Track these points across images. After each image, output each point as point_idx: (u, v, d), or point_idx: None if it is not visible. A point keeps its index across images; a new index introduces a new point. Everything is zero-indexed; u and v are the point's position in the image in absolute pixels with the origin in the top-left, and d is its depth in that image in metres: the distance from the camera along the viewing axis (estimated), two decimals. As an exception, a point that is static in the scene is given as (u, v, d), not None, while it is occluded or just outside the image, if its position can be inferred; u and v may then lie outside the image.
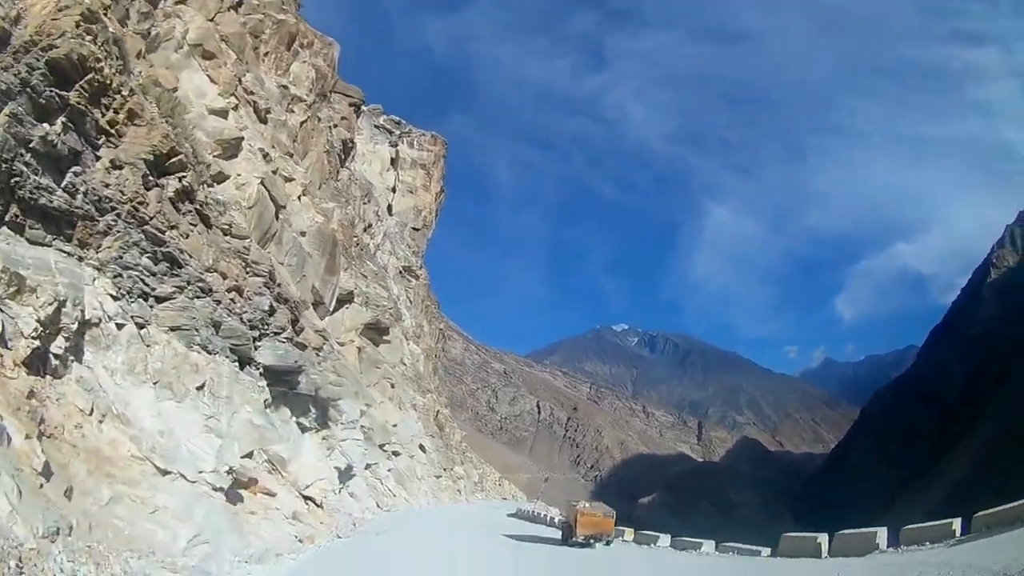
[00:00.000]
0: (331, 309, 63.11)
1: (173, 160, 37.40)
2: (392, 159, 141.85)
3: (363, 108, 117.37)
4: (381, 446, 69.18)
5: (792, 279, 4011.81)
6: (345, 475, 53.49)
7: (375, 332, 79.16)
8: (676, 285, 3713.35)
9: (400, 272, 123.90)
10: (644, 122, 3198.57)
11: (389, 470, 72.71)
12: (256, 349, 43.31)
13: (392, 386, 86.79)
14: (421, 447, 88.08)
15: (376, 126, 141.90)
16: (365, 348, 74.33)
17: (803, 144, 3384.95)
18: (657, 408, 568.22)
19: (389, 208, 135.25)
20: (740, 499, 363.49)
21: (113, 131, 33.58)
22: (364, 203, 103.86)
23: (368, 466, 64.04)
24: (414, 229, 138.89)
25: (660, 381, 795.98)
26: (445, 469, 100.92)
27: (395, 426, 78.79)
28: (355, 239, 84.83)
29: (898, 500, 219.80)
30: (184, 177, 38.35)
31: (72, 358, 29.29)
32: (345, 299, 69.18)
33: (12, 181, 28.55)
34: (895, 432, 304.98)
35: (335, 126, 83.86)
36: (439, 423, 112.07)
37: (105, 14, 34.91)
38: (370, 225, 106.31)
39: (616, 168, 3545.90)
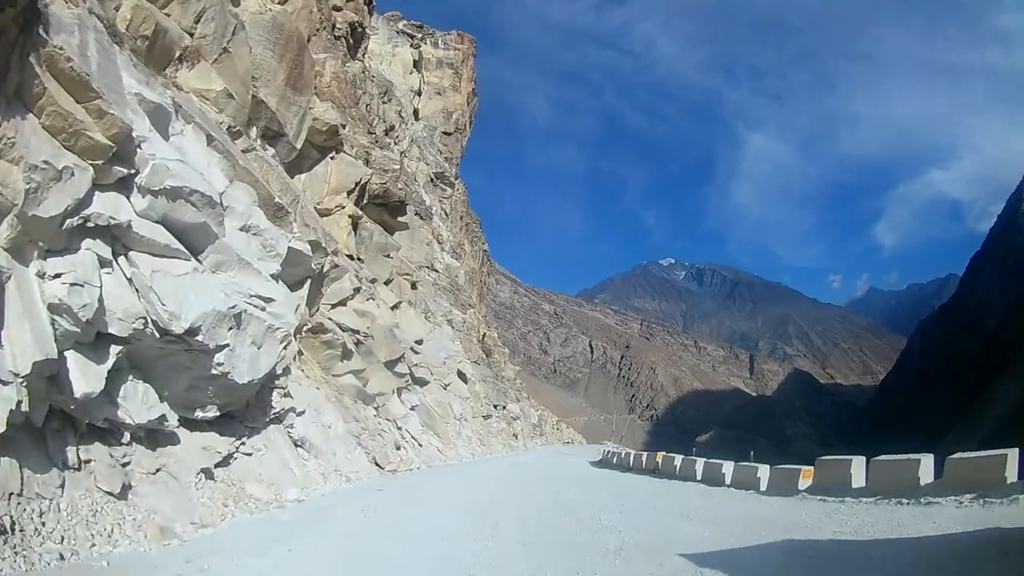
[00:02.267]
0: (297, 147, 36.19)
1: None
2: (415, 61, 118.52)
3: (376, 13, 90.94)
4: (391, 365, 42.54)
5: (831, 206, 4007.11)
6: (311, 420, 28.56)
7: (382, 208, 52.05)
8: (718, 215, 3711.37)
9: (431, 180, 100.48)
10: (672, 53, 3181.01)
11: (412, 407, 47.22)
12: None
13: (414, 286, 60.36)
14: (460, 375, 62.32)
15: (396, 31, 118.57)
16: (364, 223, 47.45)
17: (832, 71, 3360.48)
18: (708, 342, 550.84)
19: (416, 113, 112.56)
20: (795, 432, 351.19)
21: None
22: (383, 102, 77.78)
23: (365, 400, 38.56)
24: (445, 134, 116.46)
25: (710, 314, 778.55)
26: (496, 407, 75.76)
27: (419, 343, 52.70)
28: (367, 126, 57.69)
29: (952, 429, 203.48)
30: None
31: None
32: (326, 144, 41.94)
33: None
34: (941, 362, 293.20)
35: (337, 8, 56.44)
36: (486, 347, 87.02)
37: None
38: (392, 127, 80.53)
39: (648, 100, 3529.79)
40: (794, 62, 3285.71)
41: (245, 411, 22.87)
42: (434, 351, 56.19)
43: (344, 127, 44.52)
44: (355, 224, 45.76)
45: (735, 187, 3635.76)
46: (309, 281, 29.25)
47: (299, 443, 26.12)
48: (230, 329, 19.16)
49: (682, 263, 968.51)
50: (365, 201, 49.28)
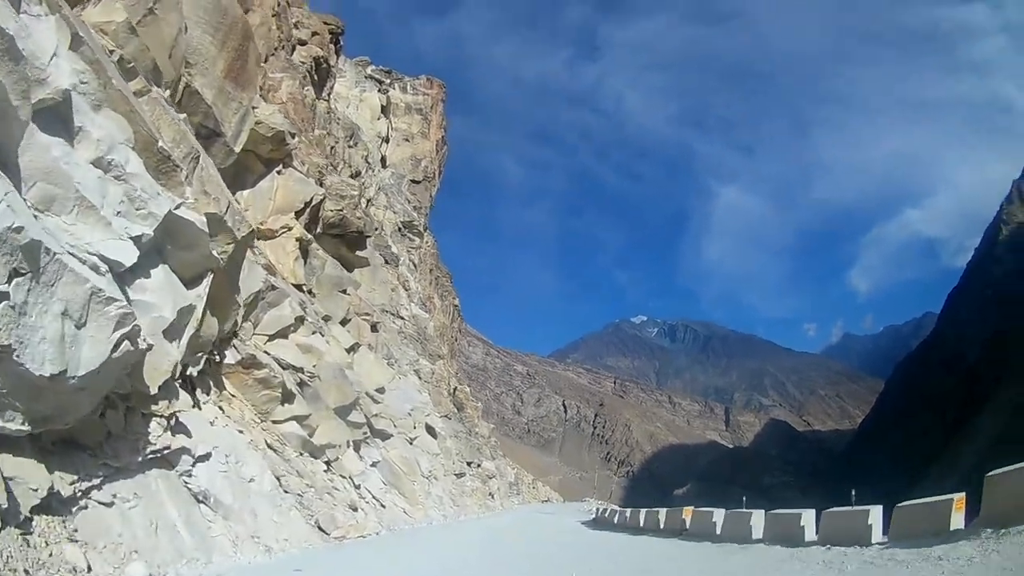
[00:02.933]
0: (235, 150, 29.94)
1: None
2: (383, 106, 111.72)
3: (344, 57, 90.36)
4: (343, 413, 35.84)
5: (805, 254, 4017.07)
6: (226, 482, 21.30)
7: (338, 240, 45.48)
8: (690, 271, 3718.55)
9: (399, 229, 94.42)
10: (643, 108, 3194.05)
11: (373, 463, 40.76)
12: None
13: (374, 329, 53.65)
14: (429, 429, 55.83)
15: (365, 76, 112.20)
16: (316, 252, 40.99)
17: (804, 116, 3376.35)
18: (683, 397, 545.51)
19: (383, 160, 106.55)
20: (773, 482, 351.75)
21: None
22: (349, 146, 72.10)
23: (313, 452, 31.89)
24: (413, 182, 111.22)
25: (683, 370, 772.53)
26: (470, 464, 69.31)
27: (381, 392, 46.01)
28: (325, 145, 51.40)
29: (932, 468, 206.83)
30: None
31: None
32: (272, 155, 35.64)
33: None
34: (920, 401, 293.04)
35: (302, 42, 50.56)
36: (457, 401, 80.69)
37: None
38: (359, 173, 74.47)
39: (621, 157, 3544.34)
40: (765, 111, 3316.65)
41: (101, 441, 15.48)
42: (398, 401, 49.92)
43: (294, 137, 38.37)
44: (304, 251, 39.48)
45: (707, 242, 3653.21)
46: (210, 277, 21.03)
47: (201, 498, 19.16)
48: (20, 275, 11.01)
49: (654, 320, 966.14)
50: (319, 230, 43.37)
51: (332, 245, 45.64)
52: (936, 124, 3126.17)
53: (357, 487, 36.03)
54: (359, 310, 49.31)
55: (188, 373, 21.09)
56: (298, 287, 37.51)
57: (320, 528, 25.85)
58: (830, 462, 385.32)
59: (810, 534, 23.70)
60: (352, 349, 42.68)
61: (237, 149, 30.77)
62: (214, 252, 20.70)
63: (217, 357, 25.41)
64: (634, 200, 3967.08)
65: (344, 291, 45.59)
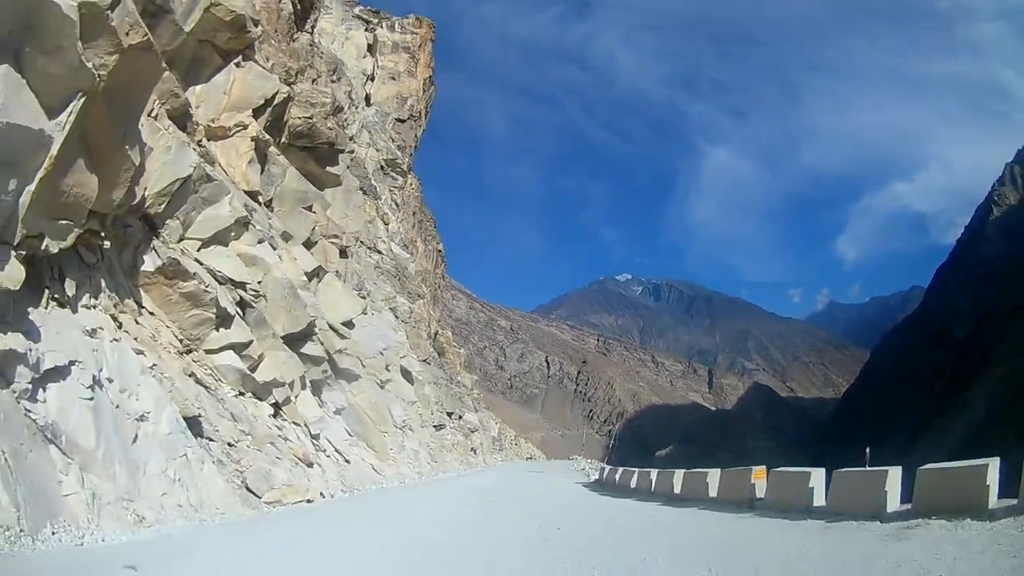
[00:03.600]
0: (185, 30, 23.25)
1: None
2: (370, 45, 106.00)
3: None
4: (295, 344, 29.25)
5: (792, 220, 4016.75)
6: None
7: (307, 153, 38.94)
8: (677, 231, 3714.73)
9: (382, 167, 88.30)
10: (634, 68, 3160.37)
11: (337, 409, 34.86)
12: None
13: (344, 254, 46.88)
14: (405, 373, 49.51)
15: (352, 16, 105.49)
16: (276, 158, 34.20)
17: (796, 83, 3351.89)
18: (666, 357, 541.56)
19: (368, 99, 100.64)
20: (757, 446, 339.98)
21: None
22: (332, 80, 65.61)
23: (257, 392, 25.75)
24: (399, 120, 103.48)
25: (667, 329, 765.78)
26: (451, 415, 63.50)
27: (349, 327, 39.69)
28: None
29: (919, 441, 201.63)
30: None
31: None
32: (231, 45, 28.88)
33: None
34: (908, 373, 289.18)
35: None
36: (439, 346, 74.39)
37: None
38: (341, 109, 68.13)
39: (609, 115, 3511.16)
40: (757, 76, 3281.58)
41: None
42: (368, 338, 43.50)
43: (257, 26, 31.78)
44: (262, 155, 32.92)
45: (694, 203, 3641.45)
46: (81, 101, 13.37)
47: (51, 436, 12.53)
48: None
49: (639, 278, 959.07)
50: (285, 139, 37.21)
51: (299, 159, 39.22)
52: (930, 101, 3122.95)
53: (315, 438, 30.09)
54: (327, 231, 42.69)
55: (45, 248, 14.01)
56: (252, 196, 31.13)
57: (249, 489, 19.50)
58: (814, 429, 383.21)
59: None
60: (315, 274, 36.28)
61: (187, 29, 24.88)
62: (87, 63, 13.33)
63: (105, 242, 18.25)
64: (622, 158, 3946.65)
65: (310, 208, 38.99)
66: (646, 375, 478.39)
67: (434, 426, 53.76)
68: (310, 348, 31.36)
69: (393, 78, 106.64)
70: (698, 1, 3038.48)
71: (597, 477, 51.45)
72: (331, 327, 36.39)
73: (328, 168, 43.18)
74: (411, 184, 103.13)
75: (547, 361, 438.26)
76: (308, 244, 38.21)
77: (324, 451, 30.40)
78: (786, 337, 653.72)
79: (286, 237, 33.88)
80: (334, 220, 46.44)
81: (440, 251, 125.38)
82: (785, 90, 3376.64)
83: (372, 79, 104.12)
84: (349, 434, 34.67)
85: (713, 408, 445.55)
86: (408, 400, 47.86)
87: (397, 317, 56.63)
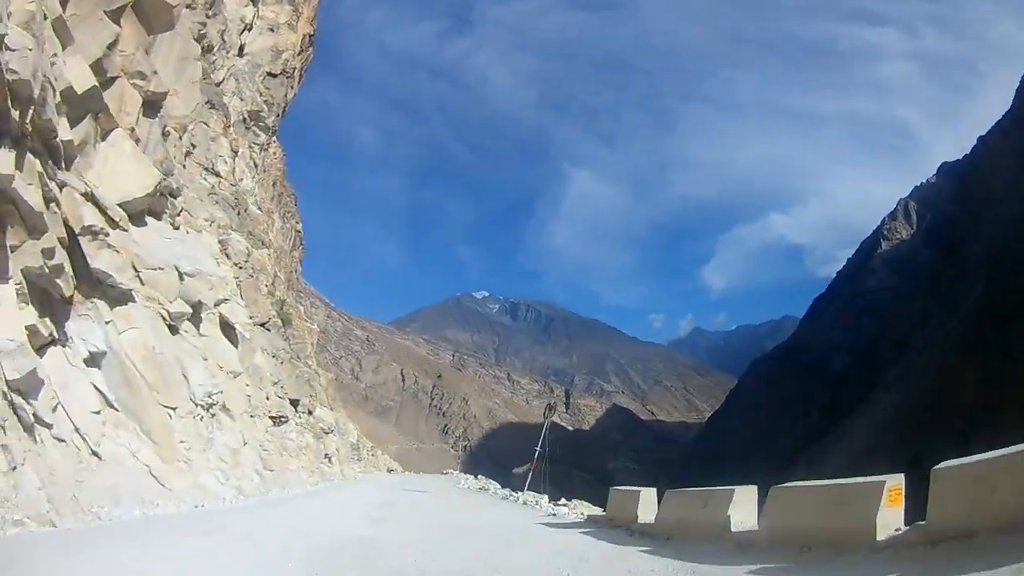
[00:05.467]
0: None
1: None
2: None
3: None
4: None
5: (658, 247, 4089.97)
6: None
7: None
8: (536, 253, 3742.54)
9: (244, 119, 72.79)
10: (507, 89, 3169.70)
11: (94, 353, 18.50)
12: None
13: (151, 110, 28.56)
14: (225, 326, 32.08)
15: None
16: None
17: (673, 113, 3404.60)
18: (522, 376, 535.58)
19: (241, 49, 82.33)
20: (617, 466, 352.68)
21: None
22: (208, 15, 49.42)
23: None
24: (270, 75, 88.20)
25: (523, 348, 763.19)
26: (297, 406, 45.59)
27: (134, 218, 22.42)
28: None
29: (795, 468, 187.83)
30: None
31: None
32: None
33: None
34: (779, 401, 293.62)
35: None
36: (285, 315, 56.69)
37: None
38: (211, 47, 56.64)
39: (476, 135, 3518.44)
40: (632, 103, 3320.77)
41: None
42: (160, 246, 25.61)
43: None
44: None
45: (557, 225, 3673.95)
46: None
47: None
48: None
49: (496, 296, 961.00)
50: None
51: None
52: (817, 136, 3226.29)
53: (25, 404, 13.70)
54: (130, 69, 25.44)
55: None
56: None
57: None
58: (677, 451, 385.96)
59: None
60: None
61: None
62: None
63: None
64: (484, 178, 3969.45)
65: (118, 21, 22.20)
66: (502, 392, 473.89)
67: (271, 417, 36.66)
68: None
69: (272, 29, 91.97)
70: (582, 26, 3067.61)
71: (547, 509, 33.86)
72: (98, 204, 19.72)
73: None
74: (275, 151, 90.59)
75: (402, 374, 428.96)
76: (97, 68, 21.44)
77: (39, 439, 14.46)
78: (647, 361, 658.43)
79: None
80: (155, 68, 28.79)
81: (299, 232, 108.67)
82: (660, 119, 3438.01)
83: (249, 29, 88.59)
84: (107, 403, 17.91)
85: (571, 428, 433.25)
86: (228, 369, 30.21)
87: (224, 251, 38.89)
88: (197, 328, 28.46)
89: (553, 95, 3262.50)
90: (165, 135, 31.03)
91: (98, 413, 17.72)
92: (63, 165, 19.28)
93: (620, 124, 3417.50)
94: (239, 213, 48.52)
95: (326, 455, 50.74)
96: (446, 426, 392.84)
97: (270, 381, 40.84)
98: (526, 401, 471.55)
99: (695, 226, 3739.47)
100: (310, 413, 51.51)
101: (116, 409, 18.64)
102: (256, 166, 72.18)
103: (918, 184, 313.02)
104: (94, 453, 16.57)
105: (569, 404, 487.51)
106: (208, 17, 50.82)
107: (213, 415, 26.99)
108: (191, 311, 27.14)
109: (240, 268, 40.96)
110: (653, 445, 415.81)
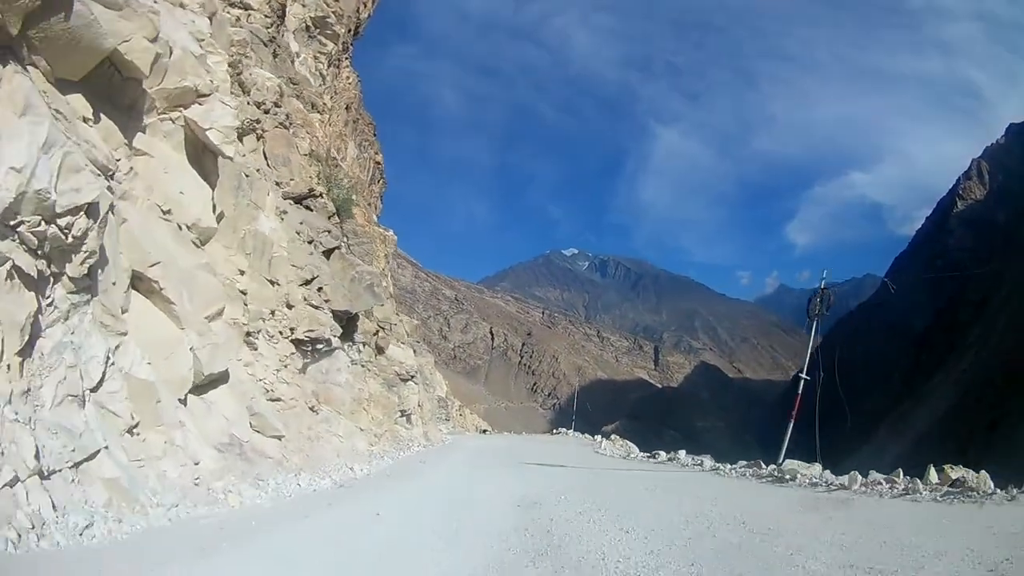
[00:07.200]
0: None
1: None
2: None
3: None
4: None
5: (743, 204, 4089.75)
6: None
7: None
8: (625, 209, 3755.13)
9: (307, 26, 56.69)
10: (589, 48, 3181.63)
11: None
12: None
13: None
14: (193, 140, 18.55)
15: None
16: None
17: (754, 70, 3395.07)
18: (612, 333, 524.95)
19: None
20: (705, 425, 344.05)
21: None
22: None
23: None
24: None
25: (613, 305, 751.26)
26: (349, 327, 30.89)
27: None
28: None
29: (880, 429, 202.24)
30: None
31: None
32: None
33: None
34: (862, 361, 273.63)
35: None
36: (341, 203, 42.10)
37: None
38: None
39: (561, 94, 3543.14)
40: (714, 61, 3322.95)
41: None
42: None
43: None
44: None
45: (643, 182, 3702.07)
46: None
47: None
48: None
49: (586, 253, 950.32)
50: None
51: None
52: (892, 96, 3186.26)
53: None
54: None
55: None
56: None
57: None
58: (763, 411, 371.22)
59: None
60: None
61: None
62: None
63: None
64: (572, 137, 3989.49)
65: None
66: (591, 350, 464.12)
67: (305, 340, 24.26)
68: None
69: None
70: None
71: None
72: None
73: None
74: (348, 76, 76.72)
75: (491, 333, 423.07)
76: None
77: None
78: (734, 318, 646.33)
79: None
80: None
81: (379, 163, 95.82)
82: (741, 76, 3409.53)
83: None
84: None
85: (659, 386, 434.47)
86: (187, 220, 17.05)
87: (236, 78, 25.09)
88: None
89: (636, 54, 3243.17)
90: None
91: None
92: None
93: (704, 81, 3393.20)
94: (275, 54, 34.97)
95: (402, 412, 37.85)
96: (535, 384, 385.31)
97: (296, 272, 25.45)
98: (615, 358, 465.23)
99: (778, 183, 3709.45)
100: (380, 351, 38.20)
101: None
102: (323, 77, 59.13)
103: (989, 145, 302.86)
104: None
105: (658, 361, 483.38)
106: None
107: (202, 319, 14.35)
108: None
109: (259, 108, 27.28)
110: (739, 403, 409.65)
